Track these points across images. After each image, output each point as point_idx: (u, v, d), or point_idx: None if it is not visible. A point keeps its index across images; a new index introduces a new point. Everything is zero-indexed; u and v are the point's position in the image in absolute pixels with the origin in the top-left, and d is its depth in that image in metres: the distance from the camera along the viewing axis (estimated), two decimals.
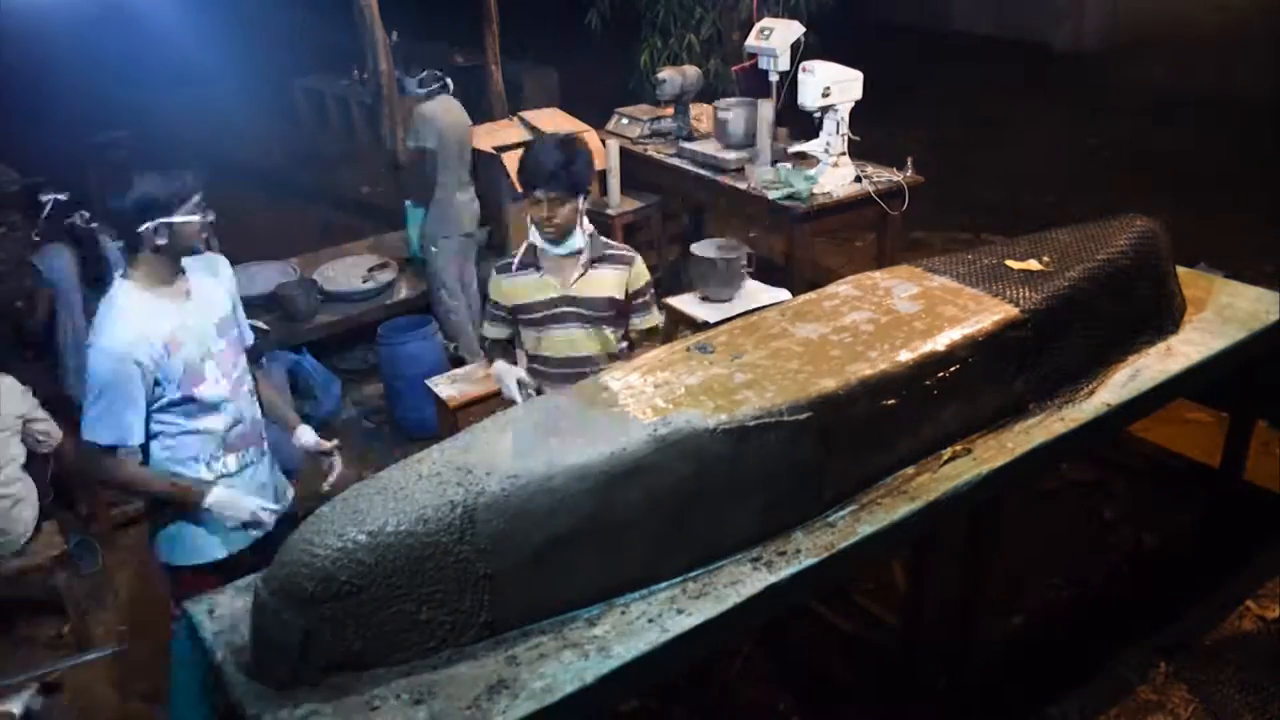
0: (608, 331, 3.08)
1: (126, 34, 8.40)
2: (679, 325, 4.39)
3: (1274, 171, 6.54)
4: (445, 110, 5.04)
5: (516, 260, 3.07)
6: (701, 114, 5.95)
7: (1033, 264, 3.18)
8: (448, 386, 4.02)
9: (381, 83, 6.27)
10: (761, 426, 2.39)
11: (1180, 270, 3.56)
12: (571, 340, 3.06)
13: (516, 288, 3.06)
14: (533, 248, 3.03)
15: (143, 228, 2.45)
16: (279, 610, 2.04)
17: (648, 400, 2.46)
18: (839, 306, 2.98)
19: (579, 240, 2.98)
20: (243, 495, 2.64)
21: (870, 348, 2.72)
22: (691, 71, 5.76)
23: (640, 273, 3.08)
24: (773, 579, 2.33)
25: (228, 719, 2.10)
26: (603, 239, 3.10)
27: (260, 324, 4.85)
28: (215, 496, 2.59)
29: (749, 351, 2.71)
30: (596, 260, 3.02)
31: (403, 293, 5.33)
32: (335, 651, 2.06)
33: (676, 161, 5.65)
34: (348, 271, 5.38)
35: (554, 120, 6.06)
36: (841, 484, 2.58)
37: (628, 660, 2.12)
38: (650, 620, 2.22)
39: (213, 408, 2.62)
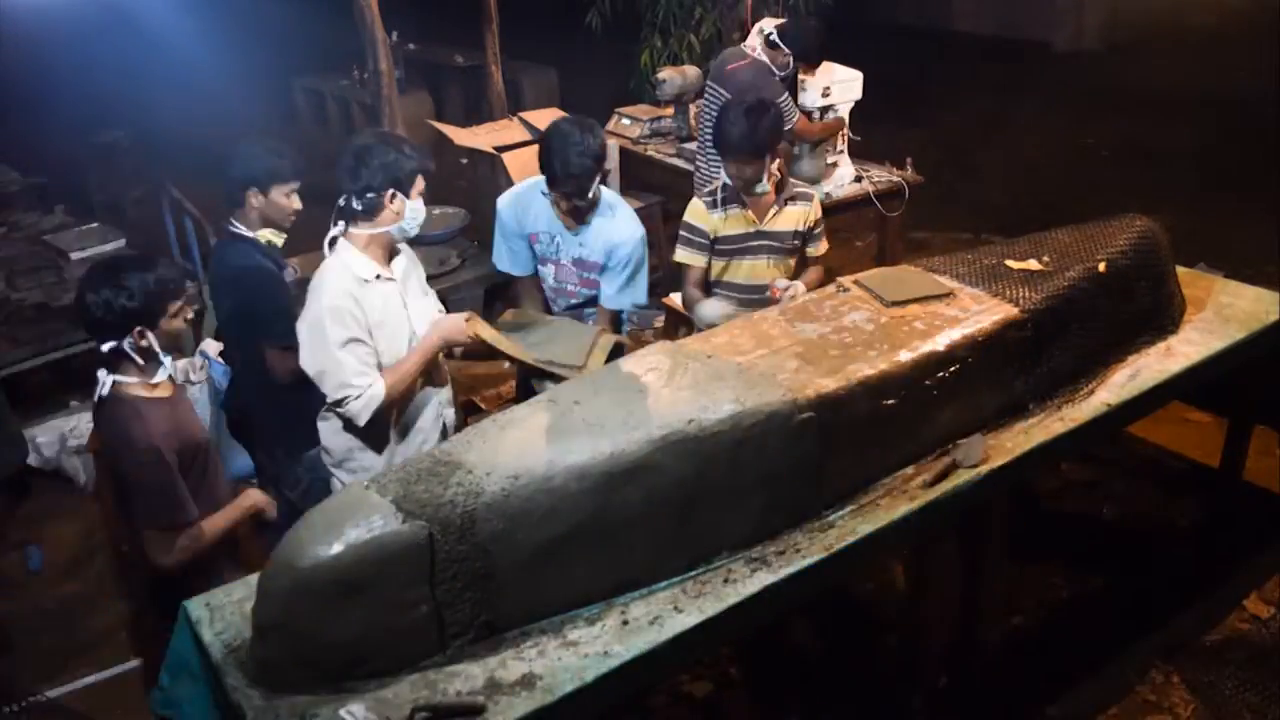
0: (788, 261, 3.60)
1: (126, 34, 8.39)
2: (678, 325, 4.39)
3: (1274, 171, 6.54)
4: None
5: (719, 195, 3.50)
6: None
7: (1033, 264, 3.18)
8: None
9: (381, 83, 6.27)
10: (762, 426, 2.39)
11: (1180, 270, 3.55)
12: (756, 268, 3.56)
13: (721, 219, 3.50)
14: (727, 187, 3.48)
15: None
16: (279, 610, 2.04)
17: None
18: (839, 306, 2.99)
19: (764, 185, 3.42)
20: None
21: (870, 348, 2.72)
22: (691, 71, 5.76)
23: (816, 209, 3.62)
24: (772, 579, 2.33)
25: (228, 718, 2.11)
26: (790, 179, 3.68)
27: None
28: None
29: (750, 351, 2.71)
30: (787, 200, 3.53)
31: None
32: (336, 652, 2.06)
33: (676, 161, 5.66)
34: None
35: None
36: (841, 484, 2.58)
37: (627, 660, 2.12)
38: (650, 620, 2.22)
39: None
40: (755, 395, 2.45)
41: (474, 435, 2.33)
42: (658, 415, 2.34)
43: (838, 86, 4.86)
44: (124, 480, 2.58)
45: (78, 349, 4.29)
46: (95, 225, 5.30)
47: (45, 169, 6.16)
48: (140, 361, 2.54)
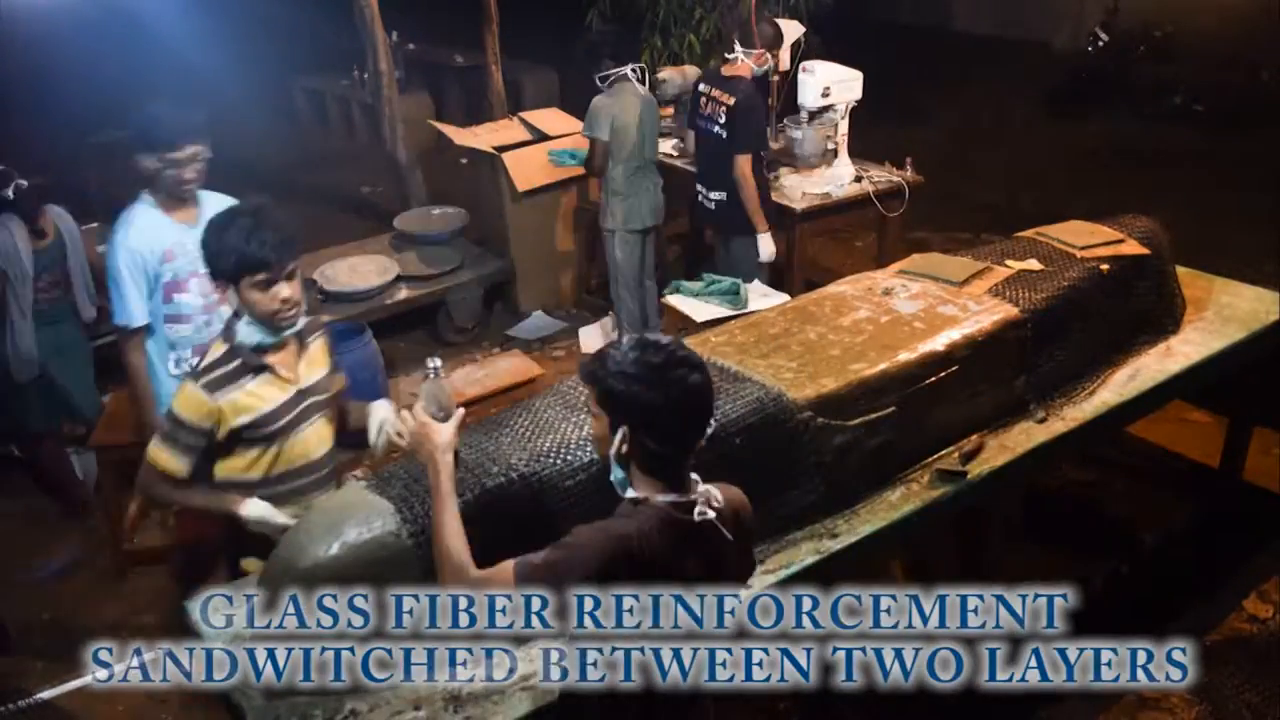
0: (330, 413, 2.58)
1: (127, 33, 8.39)
2: (678, 326, 4.38)
3: (1274, 171, 6.53)
4: (616, 100, 4.77)
5: (218, 370, 2.32)
6: None
7: (1033, 264, 3.18)
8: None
9: (381, 83, 6.27)
10: (763, 426, 2.39)
11: (1180, 270, 3.56)
12: (320, 436, 2.52)
13: (244, 400, 2.33)
14: (240, 348, 2.34)
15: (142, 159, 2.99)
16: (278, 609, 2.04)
17: None
18: (839, 306, 2.99)
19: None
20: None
21: (870, 348, 2.72)
22: (691, 71, 5.75)
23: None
24: (772, 579, 2.33)
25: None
26: None
27: None
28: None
29: (750, 350, 2.71)
30: (305, 333, 2.47)
31: (402, 293, 5.32)
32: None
33: (677, 162, 5.65)
34: (347, 272, 5.38)
35: (554, 120, 6.06)
36: (841, 484, 2.58)
37: None
38: None
39: (186, 317, 3.06)
40: (749, 395, 2.45)
41: (474, 434, 2.33)
42: None
43: (837, 86, 4.85)
44: None
45: None
46: (95, 225, 5.30)
47: (45, 169, 6.15)
48: None
